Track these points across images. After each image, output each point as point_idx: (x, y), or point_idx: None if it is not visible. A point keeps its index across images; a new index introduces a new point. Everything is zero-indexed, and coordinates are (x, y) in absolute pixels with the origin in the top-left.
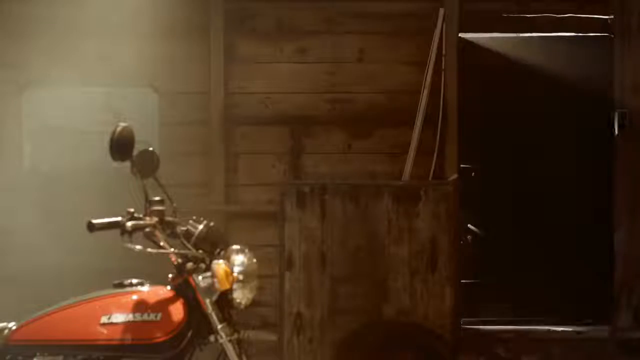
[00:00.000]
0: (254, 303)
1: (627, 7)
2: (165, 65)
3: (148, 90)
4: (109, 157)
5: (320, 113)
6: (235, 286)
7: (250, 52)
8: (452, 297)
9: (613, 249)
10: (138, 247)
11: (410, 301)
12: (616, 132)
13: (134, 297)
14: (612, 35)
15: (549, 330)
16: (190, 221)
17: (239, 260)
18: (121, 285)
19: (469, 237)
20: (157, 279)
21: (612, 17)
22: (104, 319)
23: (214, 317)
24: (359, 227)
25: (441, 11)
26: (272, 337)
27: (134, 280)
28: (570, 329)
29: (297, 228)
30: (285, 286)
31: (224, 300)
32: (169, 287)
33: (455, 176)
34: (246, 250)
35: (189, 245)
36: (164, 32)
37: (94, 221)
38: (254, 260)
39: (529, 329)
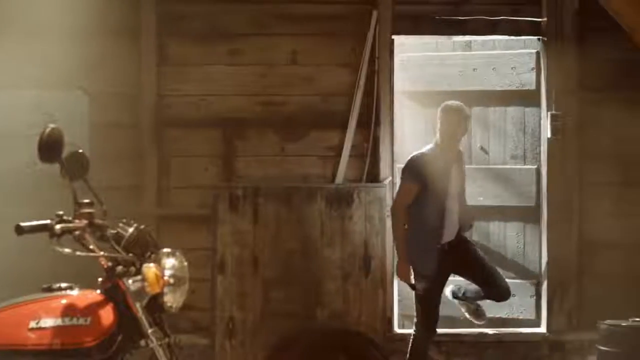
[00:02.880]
0: (185, 307)
1: (560, 10)
2: (96, 66)
3: (78, 92)
4: (38, 159)
5: (253, 115)
6: (165, 290)
7: (183, 54)
8: (385, 300)
9: (545, 250)
10: (67, 250)
11: (343, 304)
12: (549, 134)
13: (63, 301)
14: (545, 38)
15: (481, 332)
16: (121, 224)
17: (170, 263)
18: (50, 290)
19: None
20: (87, 283)
21: (545, 19)
22: (32, 324)
23: (144, 321)
24: (292, 230)
25: (374, 13)
26: (204, 341)
27: (63, 284)
28: (503, 332)
29: (230, 231)
30: (217, 290)
31: (154, 304)
32: (98, 291)
33: (389, 178)
34: (177, 254)
35: (119, 249)
36: (95, 34)
37: (22, 224)
38: (185, 263)
39: (462, 332)
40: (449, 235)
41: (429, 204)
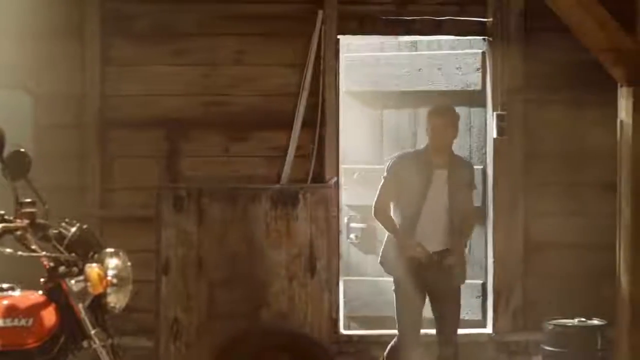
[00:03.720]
0: (129, 308)
1: (505, 10)
2: (40, 66)
3: (22, 92)
4: None
5: (197, 116)
6: (109, 290)
7: (127, 54)
8: (331, 302)
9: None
10: (8, 250)
11: (288, 305)
12: (494, 134)
13: (4, 302)
14: (491, 39)
15: (427, 333)
16: (63, 224)
17: (113, 263)
18: None
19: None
20: (28, 284)
21: (490, 20)
22: None
23: (87, 322)
24: (237, 231)
25: (320, 13)
26: (148, 343)
27: (4, 285)
28: None
29: (174, 232)
30: (161, 291)
31: (97, 305)
32: (40, 292)
33: (334, 178)
34: (120, 254)
35: (61, 249)
36: (38, 33)
37: None
38: (129, 263)
39: None
40: (429, 245)
41: (403, 207)
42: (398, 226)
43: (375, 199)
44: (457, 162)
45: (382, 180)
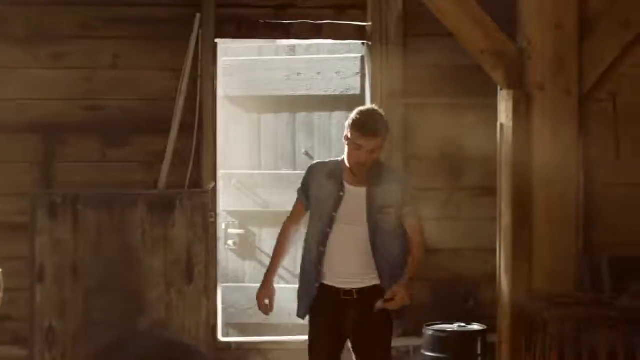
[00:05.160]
0: (3, 317)
1: (385, 14)
2: None
3: None
4: None
5: (74, 120)
6: None
7: (2, 57)
8: (209, 308)
9: None
10: None
11: (166, 313)
12: None
13: None
14: (370, 43)
15: (306, 340)
16: None
17: None
18: None
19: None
20: None
21: (370, 24)
22: None
23: None
24: (114, 238)
25: (197, 17)
26: (23, 352)
27: None
28: None
29: (49, 239)
30: (36, 299)
31: None
32: None
33: (212, 184)
34: None
35: None
36: None
37: None
38: None
39: (286, 339)
40: (342, 281)
41: (310, 227)
42: (304, 250)
43: None
44: (381, 177)
45: None
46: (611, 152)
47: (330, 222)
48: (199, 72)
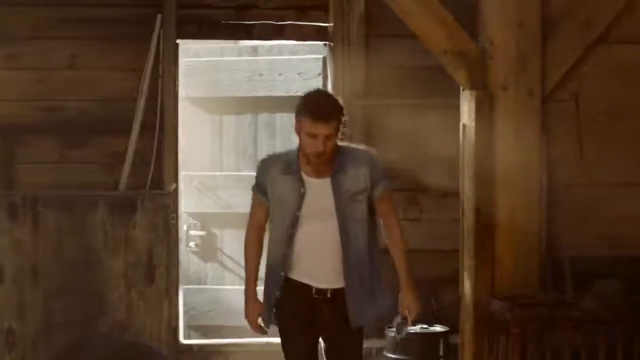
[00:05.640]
0: None
1: (347, 15)
2: None
3: None
4: None
5: (32, 122)
6: None
7: None
8: (171, 310)
9: None
10: None
11: (127, 315)
12: None
13: None
14: (332, 44)
15: (268, 342)
16: None
17: None
18: None
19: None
20: None
21: (332, 25)
22: None
23: None
24: (74, 239)
25: (159, 17)
26: None
27: None
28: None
29: (8, 241)
30: None
31: None
32: None
33: (174, 186)
34: None
35: None
36: None
37: None
38: None
39: (248, 341)
40: (316, 281)
41: (272, 230)
42: (268, 259)
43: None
44: (345, 162)
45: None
46: (574, 152)
47: (294, 223)
48: (160, 73)
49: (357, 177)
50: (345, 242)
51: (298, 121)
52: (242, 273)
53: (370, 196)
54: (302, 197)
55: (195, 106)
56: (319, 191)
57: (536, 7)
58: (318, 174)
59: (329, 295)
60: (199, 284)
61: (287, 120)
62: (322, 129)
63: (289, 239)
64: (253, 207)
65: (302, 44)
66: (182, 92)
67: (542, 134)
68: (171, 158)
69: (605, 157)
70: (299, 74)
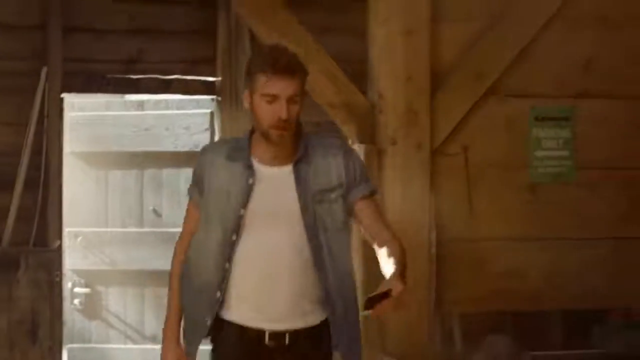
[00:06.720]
0: None
1: (234, 69)
2: None
3: None
4: None
5: None
6: None
7: None
8: None
9: None
10: None
11: None
12: None
13: None
14: (220, 98)
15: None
16: None
17: None
18: None
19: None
20: None
21: (220, 79)
22: None
23: None
24: None
25: (44, 70)
26: None
27: None
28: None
29: None
30: None
31: None
32: None
33: (58, 242)
34: None
35: None
36: None
37: None
38: None
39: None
40: (269, 311)
41: (204, 237)
42: (196, 279)
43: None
44: (312, 147)
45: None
46: (463, 206)
47: (237, 226)
48: (45, 127)
49: (327, 169)
50: (318, 257)
51: (250, 86)
52: (128, 331)
53: (346, 199)
54: (249, 189)
55: (80, 161)
56: (275, 184)
57: (425, 60)
58: (274, 160)
59: (287, 342)
60: (84, 342)
61: (173, 176)
62: (284, 87)
63: (229, 250)
64: (187, 216)
65: (190, 99)
66: (67, 147)
67: (430, 188)
68: (55, 214)
69: (493, 211)
70: (185, 128)
